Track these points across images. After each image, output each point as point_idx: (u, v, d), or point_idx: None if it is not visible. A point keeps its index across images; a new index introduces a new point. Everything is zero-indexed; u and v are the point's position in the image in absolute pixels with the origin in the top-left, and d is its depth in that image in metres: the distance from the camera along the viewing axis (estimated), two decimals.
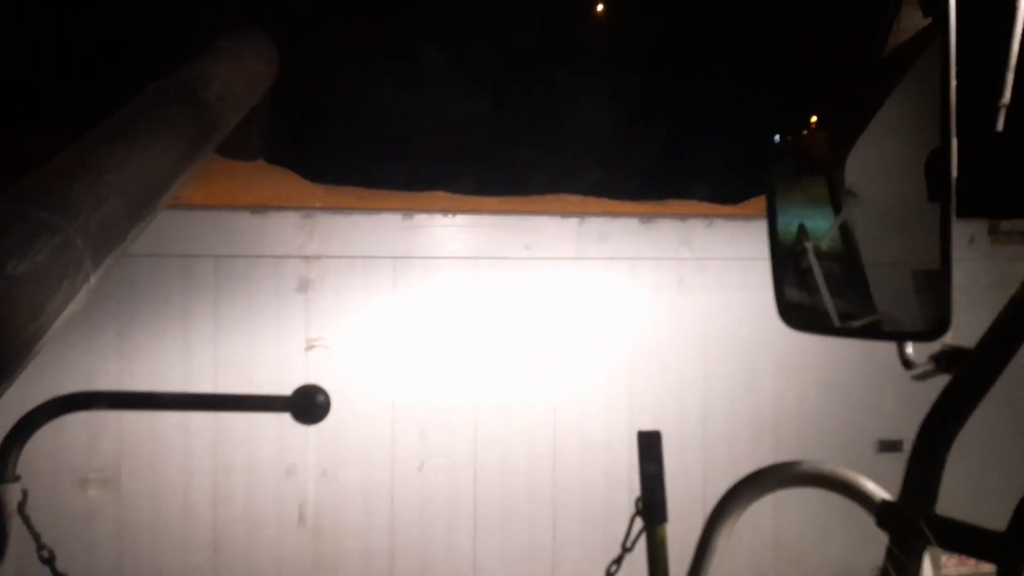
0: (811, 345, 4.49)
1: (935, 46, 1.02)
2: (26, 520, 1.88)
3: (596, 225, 4.41)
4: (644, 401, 4.42)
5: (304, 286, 4.00)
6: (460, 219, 4.25)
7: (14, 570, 1.90)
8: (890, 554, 1.14)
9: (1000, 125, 1.06)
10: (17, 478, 1.74)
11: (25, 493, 1.81)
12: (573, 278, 4.36)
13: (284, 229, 3.97)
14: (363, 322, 4.08)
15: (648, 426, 2.29)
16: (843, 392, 4.66)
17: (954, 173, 1.01)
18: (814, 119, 1.35)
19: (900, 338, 1.16)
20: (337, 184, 4.31)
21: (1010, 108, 1.04)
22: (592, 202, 4.61)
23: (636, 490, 2.31)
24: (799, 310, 1.31)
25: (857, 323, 1.24)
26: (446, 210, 4.26)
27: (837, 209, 1.25)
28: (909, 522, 1.11)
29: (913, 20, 1.10)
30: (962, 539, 1.06)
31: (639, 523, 2.34)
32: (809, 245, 1.28)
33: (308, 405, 1.66)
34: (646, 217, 4.49)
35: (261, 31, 4.21)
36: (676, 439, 4.34)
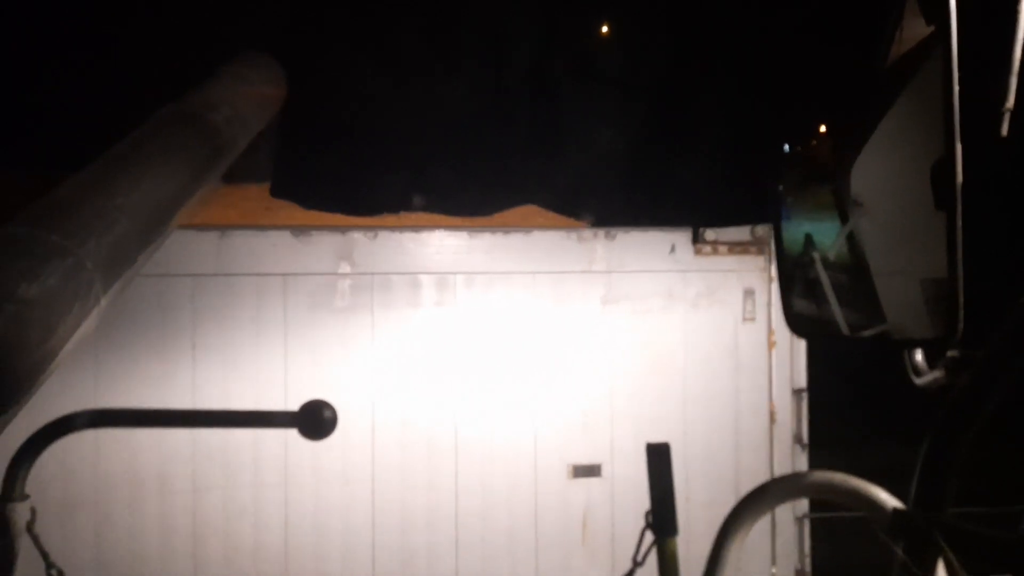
0: (499, 366, 4.31)
1: (938, 53, 1.02)
2: (35, 539, 1.88)
3: (242, 239, 3.98)
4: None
5: None
6: None
7: None
8: (902, 564, 1.12)
9: (1005, 130, 1.06)
10: (26, 497, 1.74)
11: (34, 512, 1.81)
12: (213, 295, 3.94)
13: None
14: None
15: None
16: (531, 416, 4.36)
17: (959, 180, 1.01)
18: (820, 129, 1.35)
19: (909, 346, 1.16)
20: None
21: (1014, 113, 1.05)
22: (234, 213, 3.99)
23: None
24: (807, 318, 1.31)
25: (866, 331, 1.23)
26: None
27: (844, 218, 1.25)
28: (922, 530, 1.09)
29: (916, 29, 1.10)
30: (976, 547, 1.04)
31: (649, 537, 2.30)
32: (816, 254, 1.28)
33: (315, 420, 1.65)
34: (299, 229, 4.05)
35: (268, 55, 4.25)
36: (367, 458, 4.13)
